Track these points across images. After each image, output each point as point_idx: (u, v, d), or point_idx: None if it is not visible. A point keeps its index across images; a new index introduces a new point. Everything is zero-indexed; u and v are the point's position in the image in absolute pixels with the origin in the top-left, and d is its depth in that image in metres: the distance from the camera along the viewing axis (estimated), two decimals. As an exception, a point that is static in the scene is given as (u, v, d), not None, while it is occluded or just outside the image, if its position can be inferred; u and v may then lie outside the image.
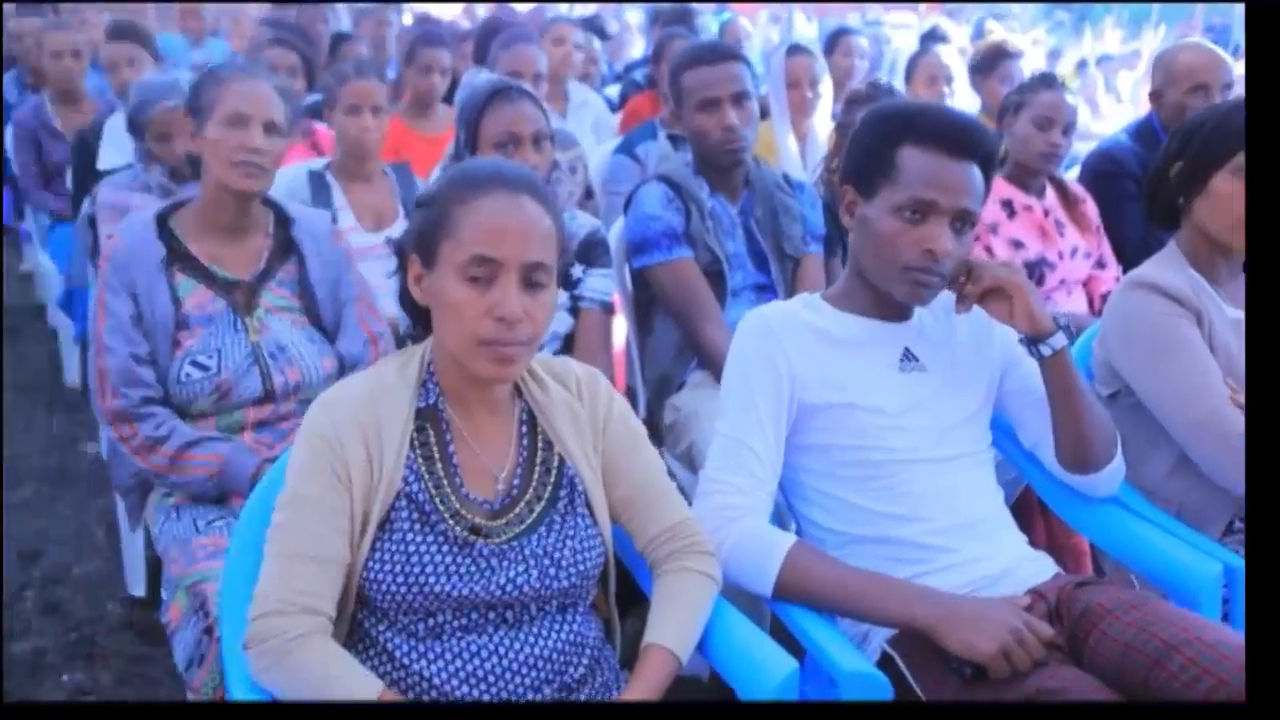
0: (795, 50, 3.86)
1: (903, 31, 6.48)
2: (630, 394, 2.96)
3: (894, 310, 1.82)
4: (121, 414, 2.13)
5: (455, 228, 1.46)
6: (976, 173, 1.73)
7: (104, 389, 2.14)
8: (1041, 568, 1.79)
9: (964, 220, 1.72)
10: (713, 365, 2.48)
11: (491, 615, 1.50)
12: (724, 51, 2.67)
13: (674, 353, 2.67)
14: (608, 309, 2.59)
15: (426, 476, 1.51)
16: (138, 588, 2.87)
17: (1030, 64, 10.18)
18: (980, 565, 1.74)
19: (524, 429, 1.60)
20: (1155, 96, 3.36)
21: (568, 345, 2.56)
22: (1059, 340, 1.77)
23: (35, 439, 3.99)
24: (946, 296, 1.90)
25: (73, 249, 3.42)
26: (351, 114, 3.10)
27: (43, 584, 3.05)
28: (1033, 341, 1.78)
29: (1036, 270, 3.09)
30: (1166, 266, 2.09)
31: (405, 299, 1.59)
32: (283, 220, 2.33)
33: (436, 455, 1.53)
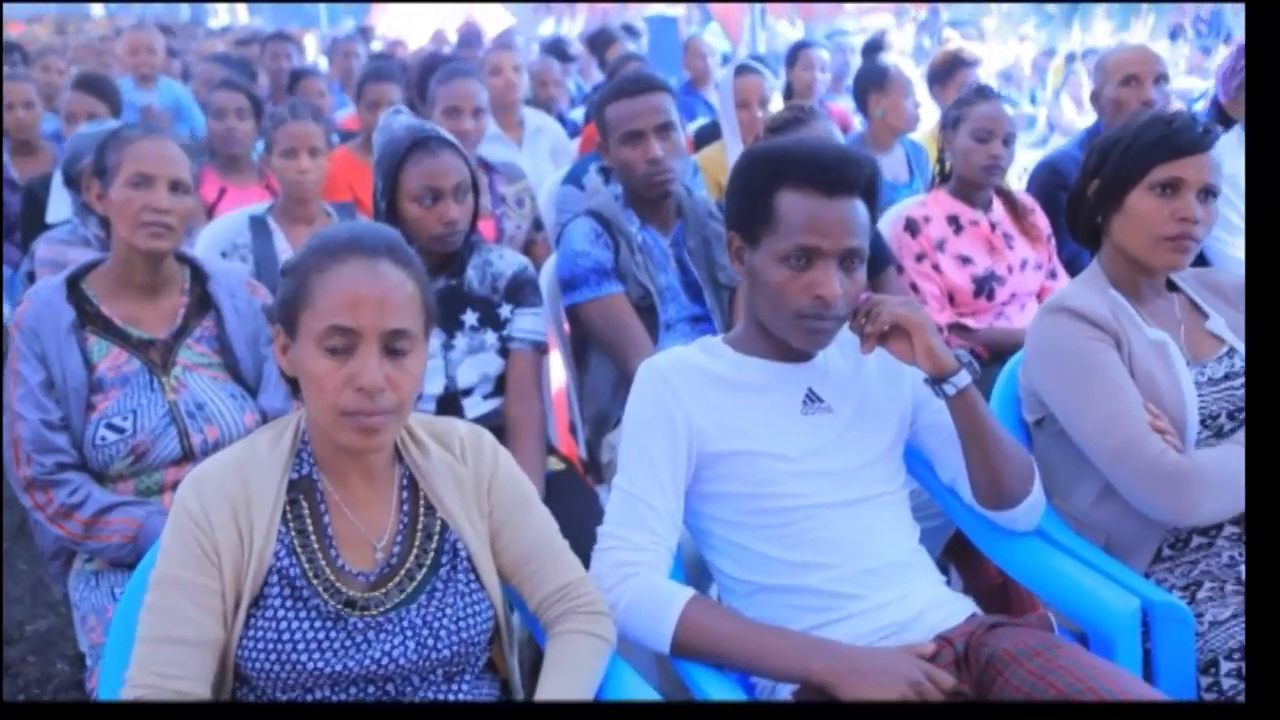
0: (743, 70, 3.82)
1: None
2: (573, 431, 2.92)
3: (795, 352, 1.78)
4: (35, 482, 2.10)
5: (312, 298, 1.43)
6: (858, 207, 1.69)
7: (17, 457, 2.12)
8: (955, 610, 1.75)
9: (852, 258, 1.68)
10: None
11: (371, 689, 1.47)
12: (646, 83, 2.64)
13: (610, 390, 2.64)
14: (539, 348, 2.55)
15: (300, 551, 1.48)
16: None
17: (1022, 60, 10.15)
18: (890, 611, 1.70)
19: (404, 494, 1.57)
20: (1095, 98, 3.35)
21: (499, 387, 2.53)
22: (962, 379, 1.73)
23: (-2, 493, 3.97)
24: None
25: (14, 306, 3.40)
26: (288, 157, 3.09)
27: (-5, 644, 3.04)
28: (936, 381, 1.74)
29: (987, 285, 3.05)
30: (1087, 288, 2.04)
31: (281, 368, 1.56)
32: (199, 276, 2.31)
33: (310, 528, 1.50)
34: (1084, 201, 2.08)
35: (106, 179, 2.19)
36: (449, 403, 2.47)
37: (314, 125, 3.15)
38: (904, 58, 4.57)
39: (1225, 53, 3.32)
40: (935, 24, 11.19)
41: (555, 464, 2.51)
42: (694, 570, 1.96)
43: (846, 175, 1.67)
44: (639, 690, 1.57)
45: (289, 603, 1.45)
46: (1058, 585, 1.83)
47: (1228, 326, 2.03)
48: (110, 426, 2.13)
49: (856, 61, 5.53)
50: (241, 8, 18.12)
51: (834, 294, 1.66)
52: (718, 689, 1.58)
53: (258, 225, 3.15)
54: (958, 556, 2.67)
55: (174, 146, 2.22)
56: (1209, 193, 1.95)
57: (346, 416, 1.42)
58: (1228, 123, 3.50)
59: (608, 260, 2.57)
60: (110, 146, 2.21)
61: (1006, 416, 2.13)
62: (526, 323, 2.53)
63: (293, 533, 1.49)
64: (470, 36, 7.15)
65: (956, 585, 2.79)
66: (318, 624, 1.45)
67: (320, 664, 1.43)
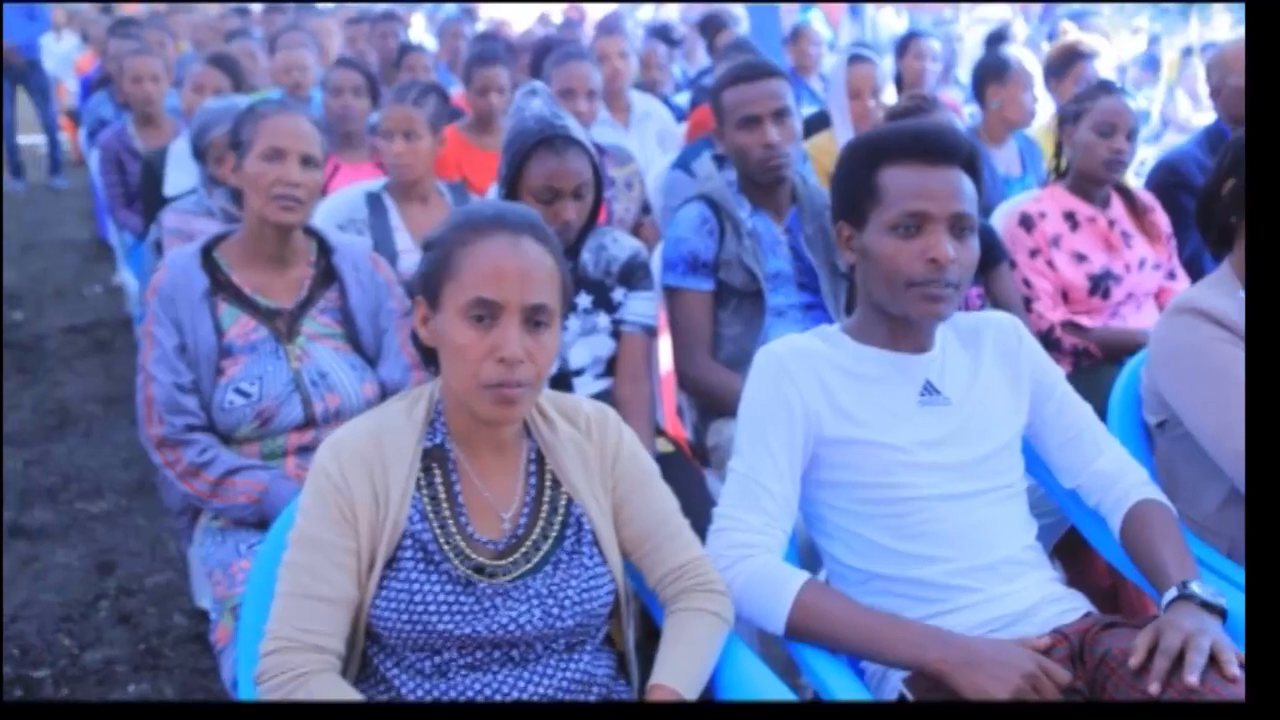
0: (856, 59, 3.79)
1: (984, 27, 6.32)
2: (680, 415, 2.95)
3: (913, 342, 1.78)
4: (165, 440, 2.19)
5: (457, 270, 1.48)
6: (963, 176, 1.69)
7: (150, 416, 2.21)
8: (1069, 606, 1.73)
9: (962, 225, 1.68)
10: (702, 396, 2.67)
11: (496, 654, 1.51)
12: (763, 69, 2.65)
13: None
14: (650, 332, 2.58)
15: (432, 516, 1.53)
16: (203, 601, 2.96)
17: (1130, 52, 9.82)
18: (1000, 604, 1.69)
19: (532, 468, 1.61)
20: (1216, 94, 3.25)
21: (610, 369, 2.56)
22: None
23: (117, 451, 4.13)
24: (970, 321, 1.85)
25: (140, 274, 3.53)
26: (385, 139, 3.18)
27: (117, 595, 3.17)
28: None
29: (1103, 283, 2.99)
30: (1215, 289, 2.00)
31: (416, 339, 1.61)
32: (325, 249, 2.38)
33: (442, 495, 1.55)
34: (1217, 201, 2.03)
35: (241, 152, 2.27)
36: (561, 382, 2.51)
37: (412, 109, 3.19)
38: (1026, 50, 4.48)
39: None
40: (1052, 16, 10.87)
41: (664, 446, 2.53)
42: (805, 555, 1.97)
43: (947, 144, 1.68)
44: (754, 668, 1.59)
45: (421, 566, 1.50)
46: (1176, 589, 1.79)
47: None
48: (238, 391, 2.21)
49: (964, 51, 5.46)
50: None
51: (946, 256, 1.65)
52: (829, 671, 1.60)
53: (373, 201, 3.22)
54: (1066, 556, 2.63)
55: (307, 122, 2.29)
56: None
57: (487, 388, 1.46)
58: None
59: (705, 251, 2.59)
60: (246, 121, 2.29)
61: (1127, 419, 2.10)
62: (638, 306, 2.55)
63: (425, 499, 1.54)
64: (573, 21, 7.21)
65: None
66: (448, 588, 1.50)
67: (450, 626, 1.48)
